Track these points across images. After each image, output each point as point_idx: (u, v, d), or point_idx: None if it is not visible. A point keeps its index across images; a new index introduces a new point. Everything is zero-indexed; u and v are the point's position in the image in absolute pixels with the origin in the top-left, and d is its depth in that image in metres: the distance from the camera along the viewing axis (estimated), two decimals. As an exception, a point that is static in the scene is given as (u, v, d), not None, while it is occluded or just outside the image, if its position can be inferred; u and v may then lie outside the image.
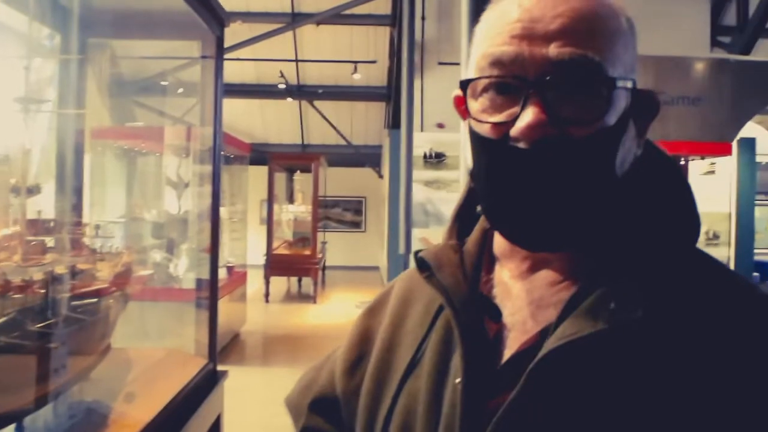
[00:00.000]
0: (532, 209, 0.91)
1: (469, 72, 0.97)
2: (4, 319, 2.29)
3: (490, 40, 0.94)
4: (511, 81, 0.91)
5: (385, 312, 1.18)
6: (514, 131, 0.89)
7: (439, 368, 0.99)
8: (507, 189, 0.92)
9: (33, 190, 2.76)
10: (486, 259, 1.06)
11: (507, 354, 0.94)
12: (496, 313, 0.99)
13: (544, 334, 0.90)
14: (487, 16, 0.98)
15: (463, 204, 1.14)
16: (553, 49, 0.88)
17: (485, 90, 0.94)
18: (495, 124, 0.91)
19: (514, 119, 0.89)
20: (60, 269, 2.70)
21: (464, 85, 0.96)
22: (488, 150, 0.93)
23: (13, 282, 2.38)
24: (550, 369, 0.85)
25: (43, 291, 2.51)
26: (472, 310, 0.98)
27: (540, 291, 0.96)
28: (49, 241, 2.89)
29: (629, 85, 0.92)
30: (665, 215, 0.94)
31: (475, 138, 0.96)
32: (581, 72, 0.88)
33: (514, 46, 0.90)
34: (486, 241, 1.08)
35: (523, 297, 0.98)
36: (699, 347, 0.83)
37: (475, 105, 0.95)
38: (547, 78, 0.88)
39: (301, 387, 1.29)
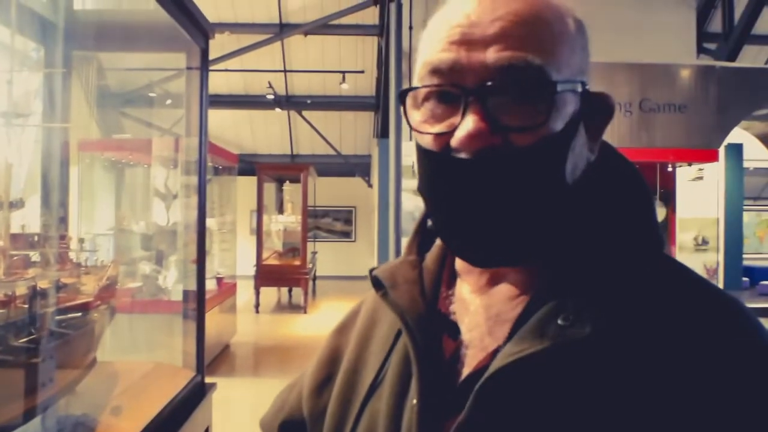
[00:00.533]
0: (477, 223, 0.87)
1: (413, 81, 0.94)
2: (-14, 334, 2.28)
3: (430, 47, 0.90)
4: (449, 89, 0.87)
5: (354, 331, 1.15)
6: (453, 141, 0.84)
7: (399, 389, 0.96)
8: (451, 202, 0.88)
9: (16, 204, 2.75)
10: (446, 275, 1.03)
11: (465, 372, 0.90)
12: (454, 331, 0.95)
13: (498, 351, 0.87)
14: (431, 22, 0.95)
15: (424, 218, 1.10)
16: (491, 54, 0.83)
17: (426, 99, 0.90)
18: (436, 135, 0.87)
19: (455, 129, 0.85)
20: (44, 283, 2.69)
21: (403, 95, 0.92)
22: (430, 162, 0.90)
23: (-5, 297, 2.37)
24: (498, 388, 0.81)
25: (26, 306, 2.49)
26: (428, 328, 0.95)
27: (498, 306, 0.92)
28: (34, 256, 2.88)
29: (578, 88, 0.87)
30: (622, 224, 0.89)
31: (418, 149, 0.93)
32: (522, 77, 0.83)
33: (453, 52, 0.86)
34: (446, 255, 1.05)
35: (481, 313, 0.94)
36: (652, 365, 0.79)
37: (416, 115, 0.91)
38: (487, 84, 0.83)
39: (274, 408, 1.27)
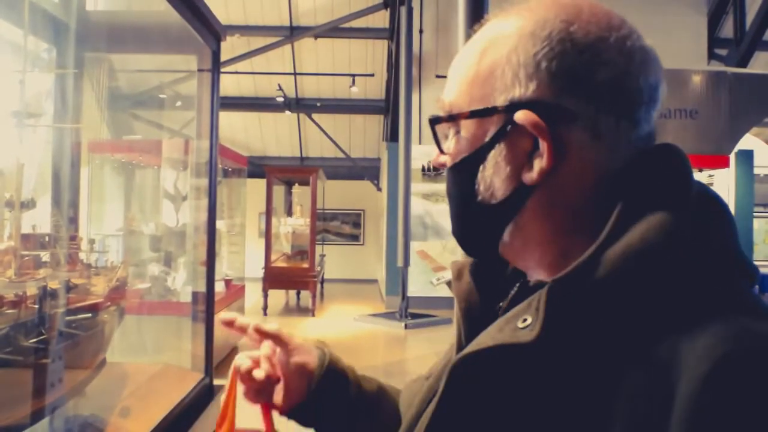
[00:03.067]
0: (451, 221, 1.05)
1: None
2: (-4, 334, 2.28)
3: None
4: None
5: None
6: None
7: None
8: None
9: (27, 205, 2.75)
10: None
11: None
12: None
13: None
14: None
15: None
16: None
17: None
18: None
19: None
20: (54, 284, 2.69)
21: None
22: None
23: (6, 297, 2.37)
24: (462, 376, 0.87)
25: (36, 306, 2.49)
26: (479, 319, 1.01)
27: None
28: (44, 256, 2.88)
29: (488, 113, 0.93)
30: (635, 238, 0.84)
31: None
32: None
33: None
34: None
35: None
36: (597, 380, 0.77)
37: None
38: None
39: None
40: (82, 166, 3.98)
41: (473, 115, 0.94)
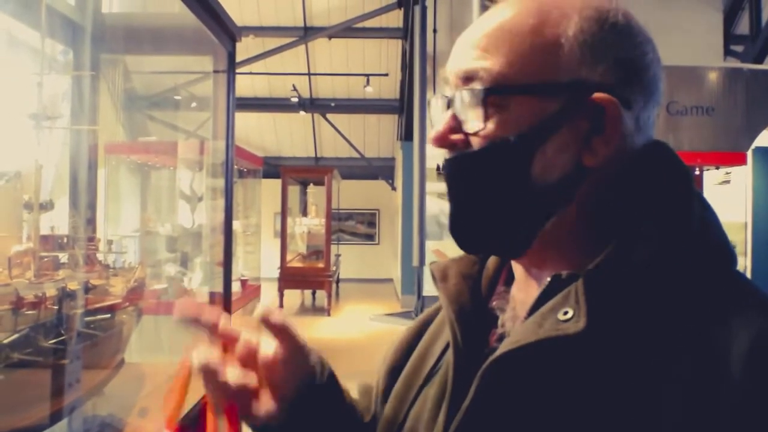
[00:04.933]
0: (452, 212, 0.97)
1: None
2: (17, 335, 2.29)
3: None
4: (438, 100, 0.98)
5: (433, 320, 1.19)
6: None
7: (446, 377, 0.99)
8: (447, 195, 0.99)
9: (46, 206, 2.77)
10: (505, 273, 1.07)
11: None
12: (497, 323, 0.99)
13: None
14: None
15: None
16: (459, 65, 0.94)
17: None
18: None
19: None
20: (73, 285, 2.70)
21: (428, 103, 1.03)
22: None
23: (26, 298, 2.38)
24: (498, 375, 0.85)
25: (56, 307, 2.51)
26: (472, 320, 1.00)
27: (531, 300, 0.93)
28: (63, 257, 2.90)
29: (550, 91, 0.89)
30: (651, 226, 0.87)
31: None
32: (467, 85, 0.92)
33: (449, 63, 0.97)
34: None
35: (519, 306, 0.98)
36: (644, 370, 0.78)
37: (434, 115, 1.01)
38: (455, 92, 0.94)
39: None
40: (99, 167, 4.00)
41: (537, 89, 0.88)
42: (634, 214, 0.88)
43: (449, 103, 0.95)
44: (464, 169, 0.94)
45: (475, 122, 0.91)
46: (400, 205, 16.53)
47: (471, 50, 0.92)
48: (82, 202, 3.68)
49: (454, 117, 0.94)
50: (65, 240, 2.98)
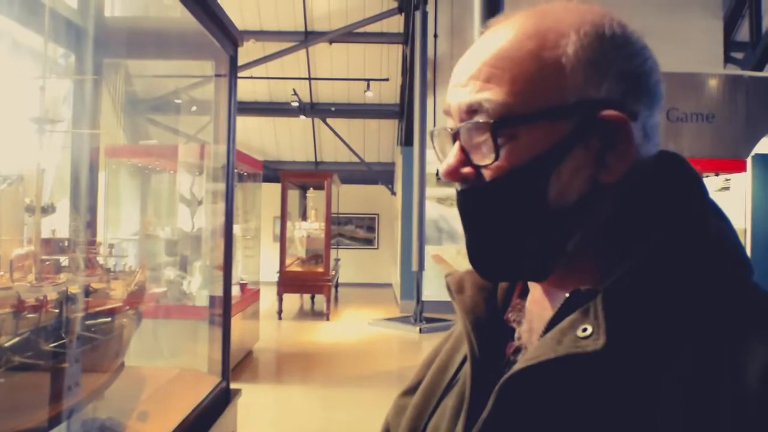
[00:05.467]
0: (470, 244, 0.97)
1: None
2: (17, 338, 2.29)
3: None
4: (442, 132, 0.98)
5: (454, 333, 1.20)
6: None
7: (464, 389, 1.00)
8: (462, 225, 0.98)
9: (47, 209, 2.77)
10: (521, 286, 1.07)
11: None
12: (512, 335, 1.00)
13: None
14: None
15: None
16: (462, 98, 0.93)
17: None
18: None
19: None
20: (74, 288, 2.71)
21: (432, 135, 1.02)
22: None
23: (27, 301, 2.39)
24: (516, 390, 0.85)
25: (57, 310, 2.51)
26: (489, 332, 1.00)
27: (547, 315, 0.93)
28: (63, 260, 2.90)
29: (556, 116, 0.88)
30: (667, 240, 0.87)
31: None
32: (473, 117, 0.91)
33: (449, 95, 0.96)
34: None
35: (535, 320, 0.98)
36: (662, 389, 0.79)
37: (439, 150, 1.02)
38: (461, 125, 0.93)
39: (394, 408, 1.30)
40: (100, 170, 4.00)
41: (545, 115, 0.87)
42: (650, 227, 0.88)
43: (455, 136, 0.95)
44: (479, 200, 0.93)
45: (484, 155, 0.91)
46: (399, 209, 16.55)
47: (472, 82, 0.91)
48: (82, 206, 3.68)
49: (462, 149, 0.94)
50: (66, 243, 2.98)
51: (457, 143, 0.94)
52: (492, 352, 0.99)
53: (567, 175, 0.88)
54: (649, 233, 0.87)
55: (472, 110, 0.91)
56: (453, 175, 0.94)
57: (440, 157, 0.99)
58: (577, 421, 0.81)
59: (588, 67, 0.88)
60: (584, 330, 0.82)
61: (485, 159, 0.90)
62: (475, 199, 0.93)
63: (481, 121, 0.89)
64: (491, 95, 0.88)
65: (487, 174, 0.91)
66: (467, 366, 1.01)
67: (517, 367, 0.85)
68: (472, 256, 0.97)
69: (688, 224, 0.88)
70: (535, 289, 1.02)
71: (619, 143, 0.88)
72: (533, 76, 0.88)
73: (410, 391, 1.18)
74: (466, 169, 0.93)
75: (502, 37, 0.92)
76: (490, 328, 1.01)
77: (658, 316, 0.82)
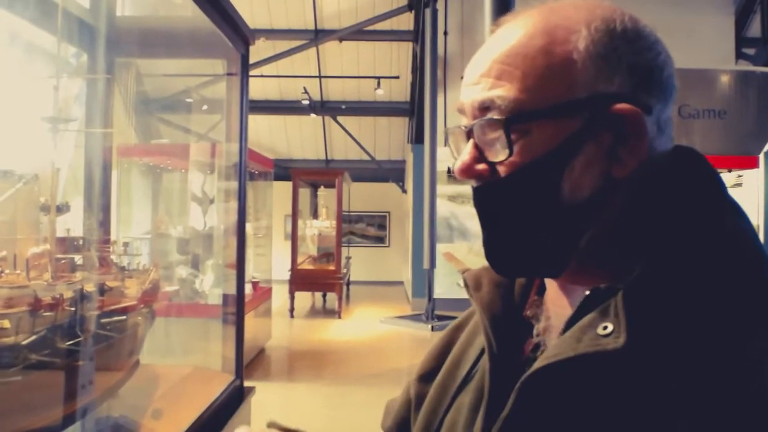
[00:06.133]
0: (487, 240, 0.97)
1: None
2: (34, 336, 2.31)
3: None
4: (456, 131, 0.98)
5: (466, 328, 1.20)
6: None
7: (482, 385, 1.00)
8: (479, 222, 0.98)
9: (62, 208, 2.78)
10: (538, 282, 1.07)
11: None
12: (532, 333, 1.00)
13: None
14: None
15: None
16: (474, 96, 0.93)
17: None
18: None
19: None
20: (89, 287, 2.72)
21: (446, 134, 1.04)
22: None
23: (43, 300, 2.40)
24: (536, 388, 0.85)
25: (72, 308, 2.53)
26: (507, 329, 1.01)
27: (566, 312, 0.93)
28: (78, 259, 2.92)
29: (565, 113, 0.88)
30: (688, 236, 0.87)
31: None
32: (486, 114, 0.91)
33: (462, 93, 0.97)
34: None
35: (553, 317, 0.99)
36: (681, 389, 0.78)
37: (454, 148, 1.02)
38: (474, 122, 0.93)
39: (386, 413, 1.33)
40: (112, 169, 4.02)
41: (557, 110, 0.88)
42: (666, 223, 0.88)
43: (469, 134, 0.95)
44: (494, 197, 0.94)
45: (498, 151, 0.91)
46: (410, 207, 16.54)
47: (483, 79, 0.92)
48: (96, 205, 3.70)
49: (476, 147, 0.94)
50: (80, 242, 3.00)
51: (471, 141, 0.94)
52: (510, 348, 0.99)
53: (580, 170, 0.89)
54: (665, 229, 0.87)
55: (484, 107, 0.91)
56: (467, 172, 0.94)
57: (455, 155, 1.00)
58: (597, 419, 0.81)
59: (599, 62, 0.88)
60: (605, 328, 0.81)
61: (499, 155, 0.90)
62: (491, 195, 0.93)
63: (494, 117, 0.89)
64: (503, 92, 0.89)
65: (501, 170, 0.91)
66: (485, 362, 1.01)
67: (537, 364, 0.85)
68: (489, 252, 0.97)
69: (707, 221, 0.88)
70: (551, 286, 1.02)
71: (631, 137, 0.88)
72: (544, 72, 0.88)
73: (426, 377, 1.19)
74: (481, 166, 0.93)
75: (512, 34, 0.92)
76: (508, 325, 1.01)
77: (679, 314, 0.81)
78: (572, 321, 0.88)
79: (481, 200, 0.95)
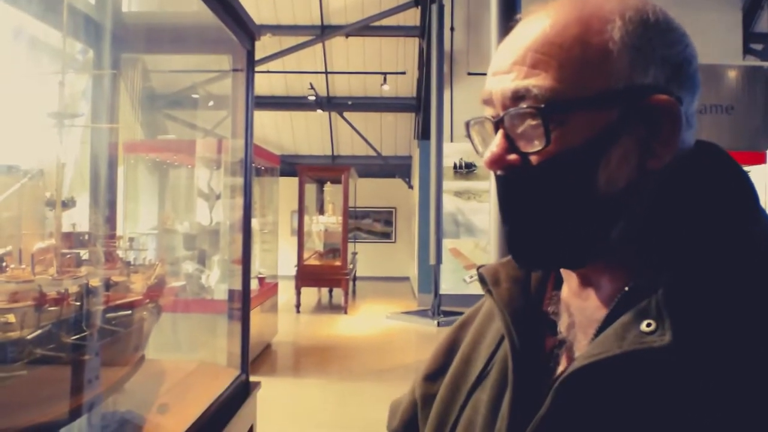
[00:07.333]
0: (513, 231, 0.96)
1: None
2: (39, 331, 2.32)
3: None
4: (482, 121, 0.97)
5: (473, 325, 1.19)
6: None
7: (501, 382, 1.00)
8: (500, 213, 0.98)
9: (67, 204, 2.79)
10: (553, 276, 1.07)
11: (559, 370, 0.94)
12: (554, 330, 1.00)
13: None
14: None
15: None
16: (507, 84, 0.91)
17: (480, 124, 0.99)
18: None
19: None
20: (94, 282, 2.73)
21: (467, 125, 1.02)
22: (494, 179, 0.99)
23: (48, 295, 2.41)
24: (576, 388, 0.84)
25: (78, 303, 2.53)
26: (527, 325, 1.00)
27: (592, 308, 0.94)
28: (84, 254, 2.92)
29: (603, 103, 0.88)
30: (722, 230, 0.88)
31: None
32: (519, 104, 0.90)
33: (490, 83, 0.95)
34: None
35: (576, 314, 0.98)
36: (731, 384, 0.77)
37: (477, 139, 1.02)
38: (504, 113, 0.92)
39: (391, 413, 1.33)
40: (118, 165, 4.02)
41: (595, 101, 0.87)
42: (700, 219, 0.88)
43: (498, 125, 0.93)
44: (526, 186, 0.92)
45: (533, 141, 0.90)
46: (416, 203, 16.54)
47: (517, 67, 0.91)
48: (102, 200, 3.70)
49: (506, 137, 0.92)
50: (86, 237, 3.00)
51: (501, 131, 0.93)
52: (531, 345, 0.98)
53: (616, 161, 0.88)
54: (700, 226, 0.87)
55: (518, 96, 0.90)
56: (498, 163, 0.92)
57: (479, 147, 1.00)
58: (640, 419, 0.80)
59: (634, 53, 0.88)
60: (648, 325, 0.81)
61: (534, 146, 0.89)
62: (522, 184, 0.92)
63: (531, 106, 0.88)
64: (539, 81, 0.88)
65: (534, 160, 0.90)
66: (503, 358, 1.00)
67: (578, 364, 0.84)
68: (514, 243, 0.97)
69: (742, 220, 0.88)
70: (571, 280, 1.01)
71: (665, 129, 0.89)
72: (581, 62, 0.88)
73: (432, 377, 1.18)
74: (512, 157, 0.92)
75: (545, 23, 0.91)
76: (527, 321, 1.00)
77: (721, 312, 0.81)
78: (610, 318, 0.88)
79: (509, 189, 0.94)
